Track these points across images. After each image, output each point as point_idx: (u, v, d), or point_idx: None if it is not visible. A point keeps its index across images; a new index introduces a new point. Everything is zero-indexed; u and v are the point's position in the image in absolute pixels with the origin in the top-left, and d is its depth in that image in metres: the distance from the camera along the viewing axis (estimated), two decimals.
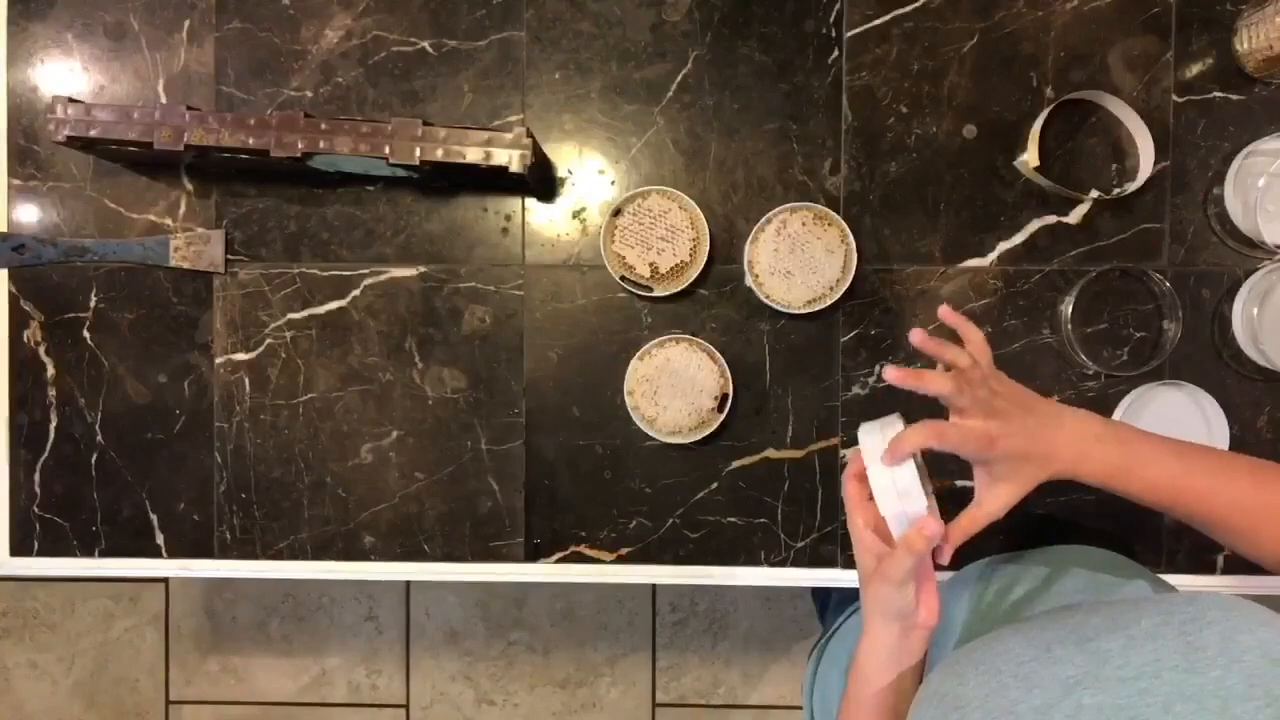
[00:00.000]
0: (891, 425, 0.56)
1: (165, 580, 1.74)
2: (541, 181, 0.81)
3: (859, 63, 0.81)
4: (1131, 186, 0.79)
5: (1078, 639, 0.45)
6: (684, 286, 0.80)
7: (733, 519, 0.83)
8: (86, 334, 0.84)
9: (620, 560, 0.83)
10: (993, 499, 0.57)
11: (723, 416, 0.80)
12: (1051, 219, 0.80)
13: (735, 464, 0.82)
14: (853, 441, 0.82)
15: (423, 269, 0.83)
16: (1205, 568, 0.81)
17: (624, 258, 0.80)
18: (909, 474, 0.53)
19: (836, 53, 0.81)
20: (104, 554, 0.85)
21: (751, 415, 0.82)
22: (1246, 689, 0.38)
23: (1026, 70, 0.80)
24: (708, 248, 0.80)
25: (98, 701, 1.77)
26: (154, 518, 0.85)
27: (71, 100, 0.74)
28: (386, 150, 0.73)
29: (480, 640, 1.73)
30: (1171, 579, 0.78)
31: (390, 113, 0.82)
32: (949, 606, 0.70)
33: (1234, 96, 0.79)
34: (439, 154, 0.73)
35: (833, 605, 0.97)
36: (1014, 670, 0.45)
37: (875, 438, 0.55)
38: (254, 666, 1.75)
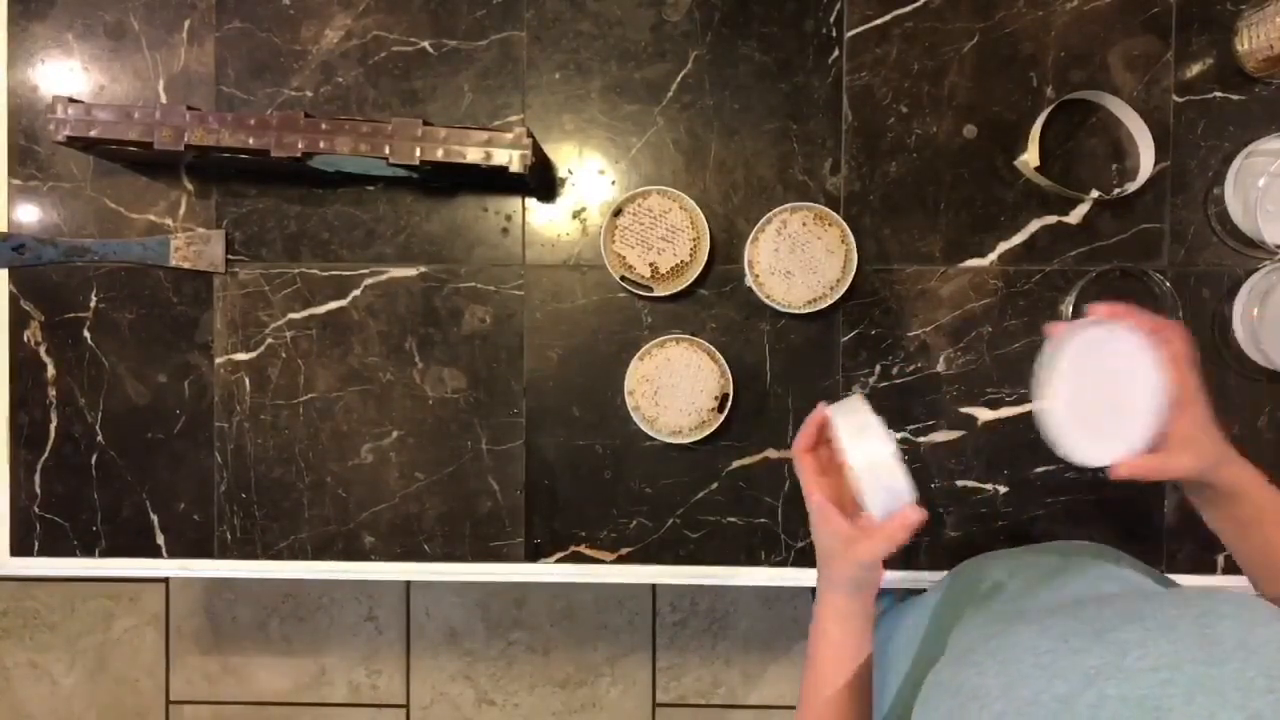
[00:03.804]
0: (860, 407, 0.58)
1: (165, 580, 1.74)
2: (541, 181, 0.81)
3: (859, 63, 0.81)
4: (1131, 186, 0.79)
5: (1094, 630, 0.45)
6: (684, 286, 0.80)
7: (733, 519, 0.83)
8: (86, 334, 0.84)
9: (620, 560, 0.83)
10: (1183, 454, 0.58)
11: (723, 416, 0.80)
12: (1051, 219, 0.80)
13: (735, 464, 0.82)
14: None
15: (423, 269, 0.83)
16: (1205, 568, 0.81)
17: (624, 258, 0.80)
18: (891, 454, 0.55)
19: (837, 53, 0.81)
20: (104, 554, 0.85)
21: (751, 415, 0.82)
22: (1267, 681, 0.39)
23: (1026, 70, 0.80)
24: (708, 248, 0.80)
25: (98, 701, 1.77)
26: (154, 518, 0.85)
27: (72, 100, 0.74)
28: (386, 150, 0.73)
29: (480, 640, 1.73)
30: (1172, 579, 0.78)
31: (390, 113, 0.82)
32: (941, 601, 0.70)
33: (1234, 96, 0.79)
34: (439, 154, 0.73)
35: None
36: (1033, 660, 0.45)
37: (851, 417, 0.57)
38: (254, 666, 1.75)
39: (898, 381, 0.81)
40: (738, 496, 0.83)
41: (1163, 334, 0.57)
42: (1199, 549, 0.81)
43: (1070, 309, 0.79)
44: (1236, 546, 0.64)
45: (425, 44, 0.82)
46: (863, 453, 0.55)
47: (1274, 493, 0.61)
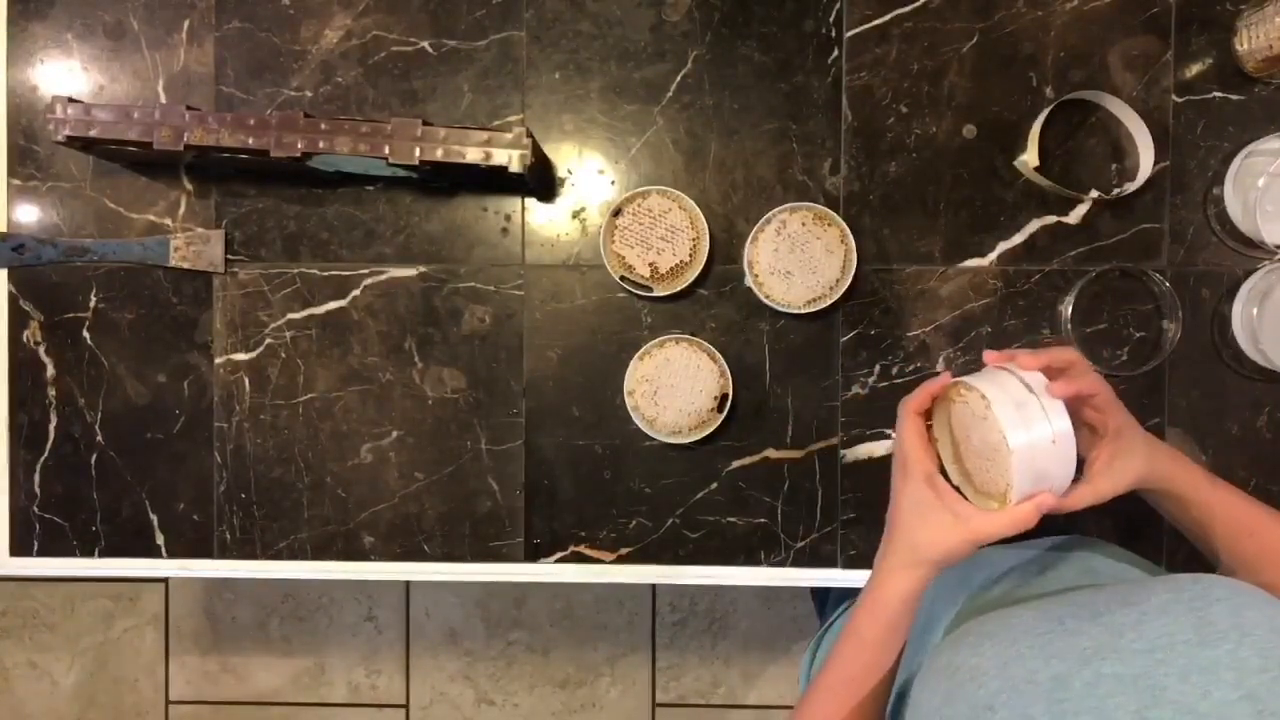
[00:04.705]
0: (1010, 382, 0.54)
1: (165, 580, 1.74)
2: (541, 181, 0.81)
3: (859, 63, 0.81)
4: (1131, 186, 0.79)
5: (1090, 613, 0.46)
6: (684, 286, 0.80)
7: (732, 519, 0.83)
8: (86, 334, 0.84)
9: (620, 560, 0.83)
10: (1104, 481, 0.59)
11: (723, 416, 0.80)
12: (1051, 219, 0.80)
13: (735, 464, 0.82)
14: (853, 440, 0.82)
15: (422, 269, 0.83)
16: (1205, 568, 0.81)
17: (624, 258, 0.80)
18: (1051, 438, 0.52)
19: (836, 53, 0.81)
20: (104, 554, 0.85)
21: (751, 415, 0.82)
22: (1261, 661, 0.39)
23: (1026, 70, 0.80)
24: (707, 248, 0.80)
25: (98, 701, 1.77)
26: (154, 518, 0.85)
27: (71, 100, 0.74)
28: (386, 150, 0.73)
29: (480, 640, 1.73)
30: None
31: (390, 113, 0.82)
32: (934, 594, 0.70)
33: (1234, 96, 0.79)
34: (439, 154, 0.73)
35: (832, 601, 0.97)
36: (1030, 641, 0.45)
37: (1006, 390, 0.53)
38: (254, 666, 1.75)
39: (897, 381, 0.81)
40: (737, 497, 0.83)
41: (1081, 390, 0.56)
42: (1199, 550, 0.81)
43: (1070, 309, 0.79)
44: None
45: (425, 44, 0.82)
46: (1026, 434, 0.52)
47: (1222, 493, 0.62)
